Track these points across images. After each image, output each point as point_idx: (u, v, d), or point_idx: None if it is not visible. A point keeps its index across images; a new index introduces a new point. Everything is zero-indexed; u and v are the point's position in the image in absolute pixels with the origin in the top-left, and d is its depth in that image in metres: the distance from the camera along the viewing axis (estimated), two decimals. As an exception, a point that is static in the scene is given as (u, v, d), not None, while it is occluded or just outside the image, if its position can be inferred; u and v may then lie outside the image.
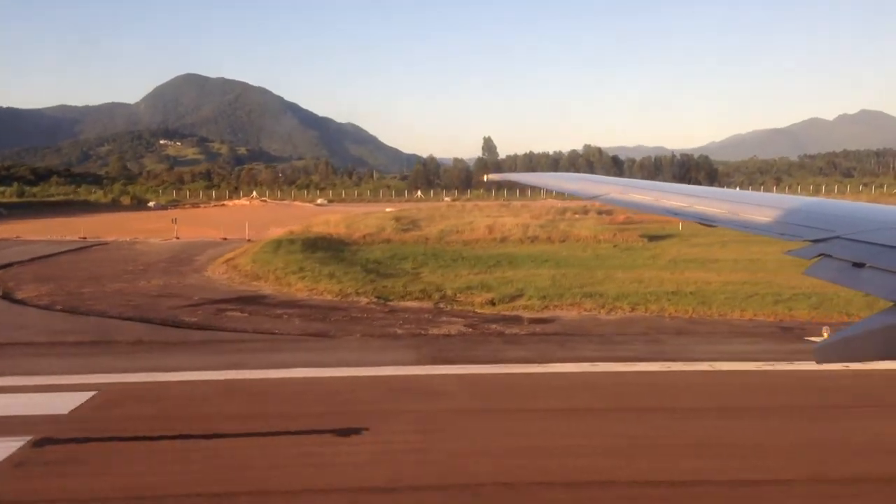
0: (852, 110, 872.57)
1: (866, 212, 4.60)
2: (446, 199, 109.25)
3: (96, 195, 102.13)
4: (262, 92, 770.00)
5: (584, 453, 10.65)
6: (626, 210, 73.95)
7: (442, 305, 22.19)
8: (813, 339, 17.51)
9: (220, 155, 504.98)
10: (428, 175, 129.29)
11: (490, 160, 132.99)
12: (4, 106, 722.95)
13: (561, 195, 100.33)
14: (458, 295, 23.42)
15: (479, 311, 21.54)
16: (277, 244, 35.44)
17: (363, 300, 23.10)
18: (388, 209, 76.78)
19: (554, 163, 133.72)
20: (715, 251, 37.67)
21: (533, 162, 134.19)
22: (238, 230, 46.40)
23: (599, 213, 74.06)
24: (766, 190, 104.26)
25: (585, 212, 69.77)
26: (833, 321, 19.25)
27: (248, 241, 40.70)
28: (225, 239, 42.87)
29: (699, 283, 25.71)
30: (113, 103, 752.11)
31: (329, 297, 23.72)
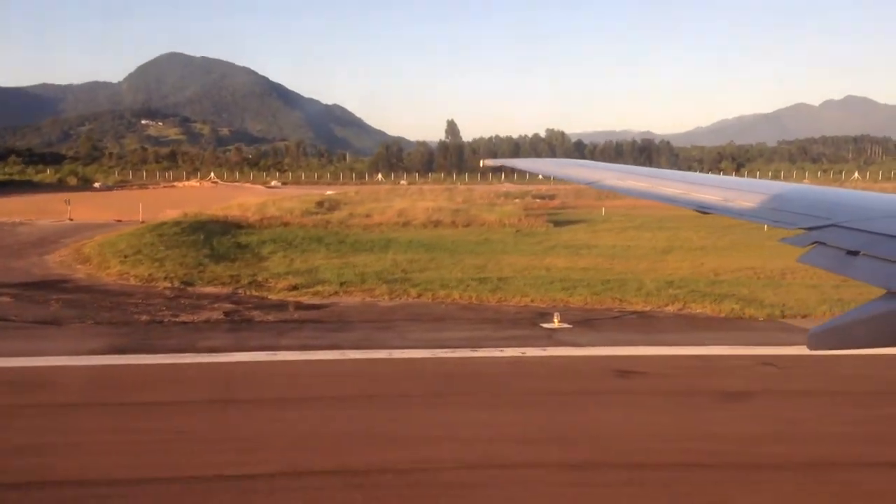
0: (838, 96, 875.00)
1: (862, 200, 4.61)
2: (403, 182, 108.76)
3: (41, 175, 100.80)
4: (247, 72, 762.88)
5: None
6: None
7: (240, 291, 21.65)
8: (546, 325, 17.40)
9: (203, 135, 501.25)
10: (390, 158, 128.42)
11: (452, 144, 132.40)
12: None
13: (540, 180, 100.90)
14: (269, 280, 22.90)
15: (270, 296, 21.11)
16: (154, 228, 34.78)
17: (162, 286, 22.45)
18: (328, 192, 76.29)
19: (516, 147, 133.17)
20: (610, 237, 37.49)
21: (494, 146, 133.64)
22: (148, 212, 45.67)
23: (541, 198, 73.91)
24: (726, 175, 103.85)
25: (523, 197, 69.56)
26: (604, 306, 19.18)
27: (142, 222, 40.00)
28: (119, 221, 42.15)
29: (538, 269, 25.47)
30: (96, 82, 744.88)
31: (133, 282, 23.10)
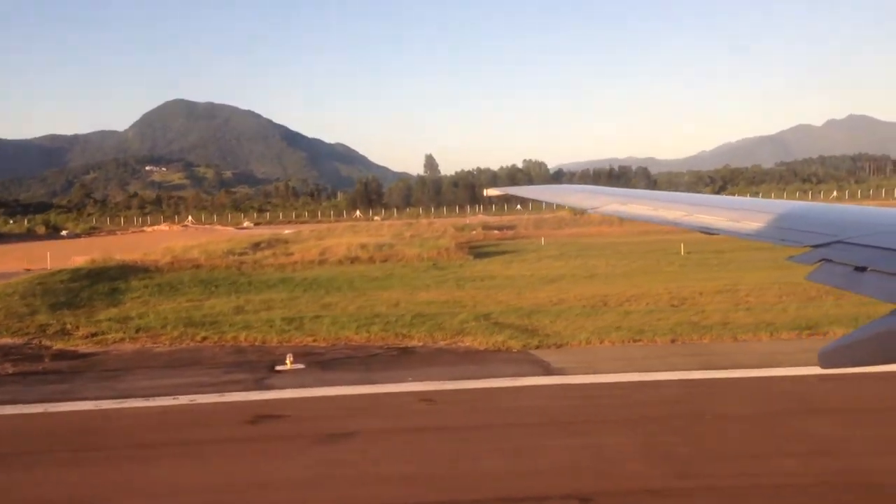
0: (840, 115, 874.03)
1: (868, 216, 4.59)
2: (377, 217, 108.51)
3: (10, 226, 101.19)
4: (252, 115, 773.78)
5: None
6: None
7: (35, 341, 20.69)
8: (280, 367, 16.40)
9: (206, 179, 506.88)
10: (369, 194, 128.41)
11: (429, 178, 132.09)
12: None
13: (519, 209, 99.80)
14: (79, 328, 21.89)
15: (57, 345, 20.11)
16: (44, 277, 33.73)
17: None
18: (286, 231, 76.16)
19: (493, 177, 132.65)
20: (519, 268, 36.59)
21: (472, 178, 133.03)
22: (63, 259, 44.98)
23: (499, 228, 73.23)
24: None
25: (472, 230, 68.95)
26: (378, 343, 18.16)
27: (47, 269, 39.25)
28: (27, 270, 41.50)
29: (384, 306, 24.43)
30: (102, 131, 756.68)
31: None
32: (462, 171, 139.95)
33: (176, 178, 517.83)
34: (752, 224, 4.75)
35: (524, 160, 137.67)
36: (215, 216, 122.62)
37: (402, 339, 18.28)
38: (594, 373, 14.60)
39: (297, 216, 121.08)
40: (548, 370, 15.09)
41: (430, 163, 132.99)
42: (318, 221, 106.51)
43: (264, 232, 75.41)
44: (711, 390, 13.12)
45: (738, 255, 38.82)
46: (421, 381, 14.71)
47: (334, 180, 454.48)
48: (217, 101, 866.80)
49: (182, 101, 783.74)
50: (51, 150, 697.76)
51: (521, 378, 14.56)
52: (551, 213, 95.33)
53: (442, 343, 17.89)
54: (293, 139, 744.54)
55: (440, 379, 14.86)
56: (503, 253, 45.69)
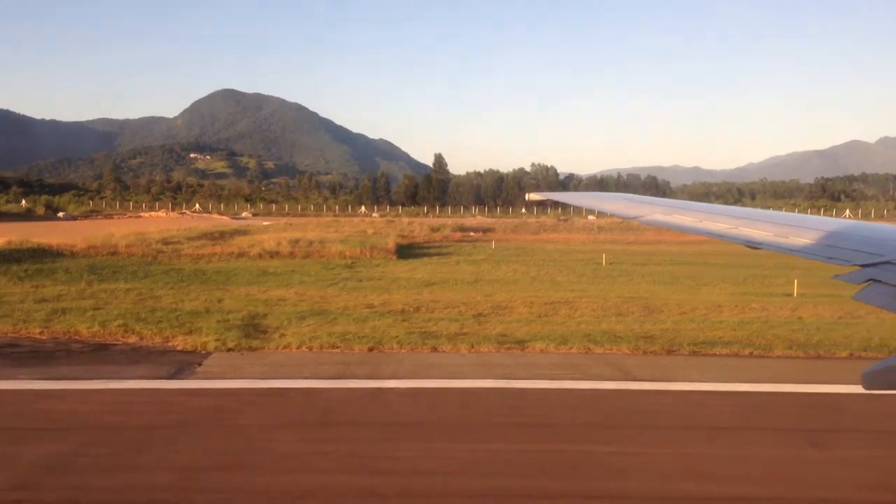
0: (894, 133, 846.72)
1: None
2: (375, 214, 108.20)
3: (8, 206, 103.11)
4: (298, 108, 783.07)
5: None
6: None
7: None
8: None
9: (248, 169, 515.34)
10: (377, 190, 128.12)
11: (436, 178, 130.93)
12: (48, 118, 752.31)
13: (511, 214, 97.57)
14: None
15: None
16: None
17: None
18: (265, 222, 76.41)
19: (500, 180, 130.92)
20: (431, 271, 35.50)
21: (479, 179, 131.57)
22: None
23: (474, 230, 72.05)
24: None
25: (446, 230, 67.96)
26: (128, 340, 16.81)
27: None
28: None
29: (235, 300, 23.48)
30: (152, 117, 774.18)
31: None
32: (471, 172, 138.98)
33: (219, 166, 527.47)
34: (799, 240, 4.72)
35: (532, 164, 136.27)
36: (222, 206, 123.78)
37: (123, 336, 17.17)
38: (234, 378, 13.08)
39: (302, 209, 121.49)
40: (179, 373, 13.40)
41: (439, 162, 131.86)
42: (317, 215, 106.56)
43: (239, 223, 75.73)
44: (340, 396, 11.90)
45: (661, 268, 37.31)
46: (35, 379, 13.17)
47: (375, 175, 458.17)
48: (265, 91, 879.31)
49: (230, 90, 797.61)
50: (103, 134, 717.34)
51: (139, 381, 12.83)
52: (550, 220, 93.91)
53: (155, 341, 16.50)
54: (337, 133, 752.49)
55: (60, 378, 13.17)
56: (441, 255, 44.52)
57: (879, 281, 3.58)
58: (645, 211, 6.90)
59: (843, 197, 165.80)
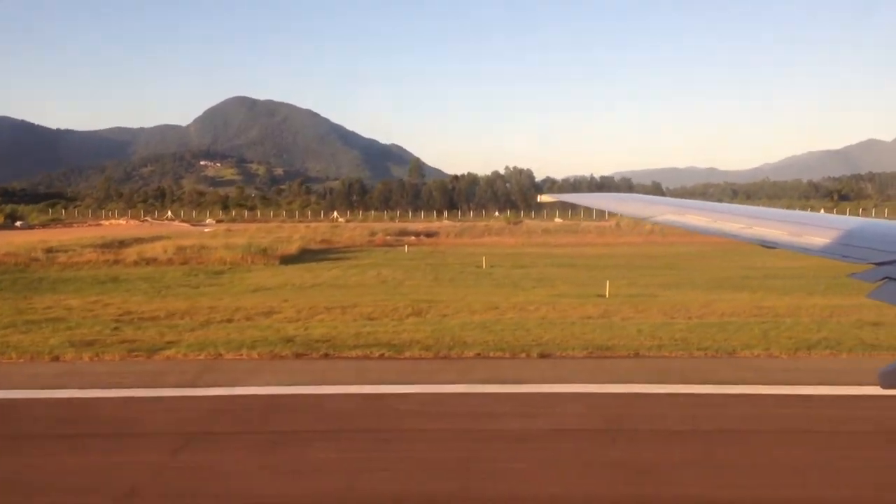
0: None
1: None
2: (340, 220, 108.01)
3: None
4: (310, 114, 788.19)
5: None
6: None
7: None
8: None
9: (258, 176, 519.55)
10: (352, 195, 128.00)
11: (409, 183, 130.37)
12: (63, 128, 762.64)
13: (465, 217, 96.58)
14: None
15: None
16: None
17: None
18: (206, 229, 76.72)
19: (473, 184, 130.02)
20: (301, 276, 35.25)
21: (455, 183, 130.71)
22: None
23: (416, 234, 71.67)
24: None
25: (373, 233, 67.66)
26: None
27: None
28: None
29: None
30: (166, 125, 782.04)
31: None
32: (467, 174, 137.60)
33: (228, 173, 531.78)
34: (814, 239, 4.66)
35: (506, 167, 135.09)
36: (194, 213, 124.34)
37: None
38: None
39: (274, 215, 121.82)
40: None
41: (417, 168, 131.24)
42: (282, 221, 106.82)
43: (186, 229, 76.19)
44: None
45: (530, 271, 36.83)
46: None
47: (378, 180, 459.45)
48: (277, 98, 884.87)
49: (243, 97, 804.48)
50: (118, 143, 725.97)
51: None
52: (499, 223, 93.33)
53: None
54: (348, 139, 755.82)
55: None
56: (337, 260, 44.33)
57: (895, 279, 3.52)
58: (657, 211, 6.86)
59: (835, 196, 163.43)
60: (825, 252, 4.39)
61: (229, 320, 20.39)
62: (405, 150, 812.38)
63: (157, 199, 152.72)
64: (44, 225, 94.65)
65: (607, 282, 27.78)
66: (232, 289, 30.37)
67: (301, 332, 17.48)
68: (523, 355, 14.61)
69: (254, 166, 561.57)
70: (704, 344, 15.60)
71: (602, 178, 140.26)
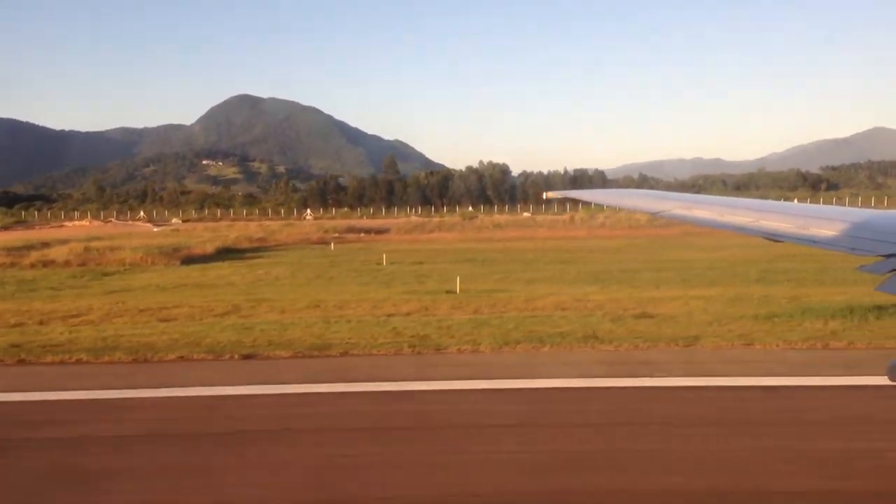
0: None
1: None
2: (308, 217, 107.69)
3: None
4: (313, 111, 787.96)
5: None
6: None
7: None
8: None
9: (260, 174, 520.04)
10: (327, 193, 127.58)
11: (383, 180, 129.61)
12: (67, 129, 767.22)
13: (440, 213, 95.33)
14: None
15: None
16: None
17: None
18: (154, 229, 77.04)
19: (444, 180, 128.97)
20: (192, 277, 35.09)
21: (429, 179, 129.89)
22: None
23: (365, 231, 71.43)
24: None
25: (325, 230, 67.67)
26: None
27: None
28: None
29: None
30: (170, 125, 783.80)
31: None
32: (435, 171, 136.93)
33: (230, 172, 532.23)
34: (821, 231, 4.65)
35: (479, 162, 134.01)
36: (167, 213, 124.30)
37: None
38: None
39: (247, 214, 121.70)
40: None
41: (391, 164, 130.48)
42: (248, 219, 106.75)
43: (130, 230, 76.45)
44: None
45: (423, 268, 36.49)
46: None
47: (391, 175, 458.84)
48: (280, 96, 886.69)
49: (247, 96, 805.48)
50: (123, 143, 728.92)
51: None
52: (455, 219, 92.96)
53: None
54: (352, 135, 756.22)
55: None
56: (249, 259, 44.42)
57: None
58: (665, 206, 6.85)
59: (824, 186, 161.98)
60: (832, 244, 4.34)
61: (21, 324, 20.19)
62: (409, 146, 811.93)
63: (138, 200, 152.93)
64: (5, 227, 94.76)
65: (458, 278, 27.38)
66: (98, 290, 30.17)
67: (37, 337, 17.09)
68: (226, 357, 14.25)
69: (256, 164, 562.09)
70: (444, 341, 15.25)
71: (576, 170, 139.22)
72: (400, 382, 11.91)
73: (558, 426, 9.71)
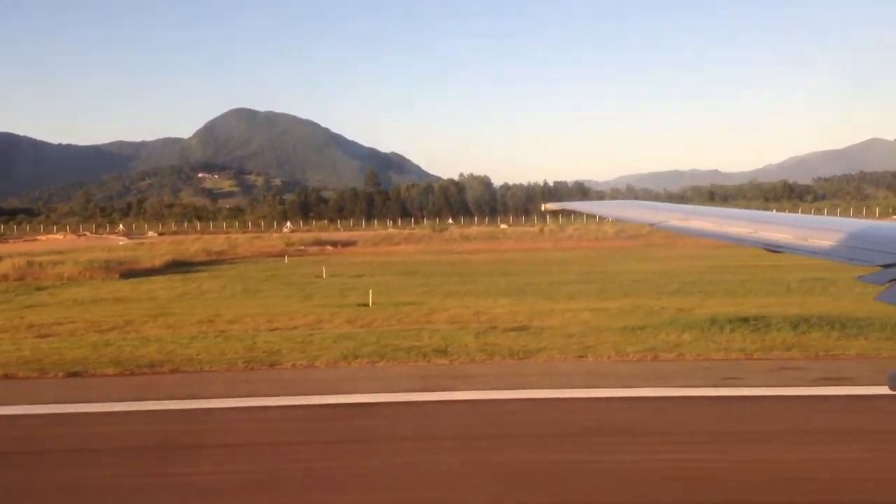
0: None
1: None
2: (285, 230, 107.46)
3: None
4: (310, 124, 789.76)
5: None
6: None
7: None
8: None
9: (256, 187, 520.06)
10: (307, 205, 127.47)
11: (363, 192, 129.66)
12: (65, 143, 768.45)
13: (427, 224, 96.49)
14: None
15: None
16: None
17: None
18: (120, 241, 76.80)
19: (425, 192, 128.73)
20: (106, 290, 34.75)
21: (409, 192, 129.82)
22: None
23: (332, 244, 71.15)
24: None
25: (289, 244, 67.51)
26: None
27: None
28: None
29: None
30: (168, 138, 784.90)
31: None
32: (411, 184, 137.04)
33: (227, 185, 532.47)
34: (820, 242, 4.63)
35: (460, 174, 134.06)
36: (146, 226, 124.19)
37: None
38: None
39: (229, 227, 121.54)
40: None
41: (371, 177, 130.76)
42: (227, 232, 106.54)
43: (99, 243, 76.20)
44: None
45: (361, 281, 36.10)
46: None
47: (386, 188, 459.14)
48: (277, 110, 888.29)
49: (244, 109, 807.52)
50: (120, 157, 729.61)
51: None
52: (425, 231, 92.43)
53: None
54: (348, 148, 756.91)
55: None
56: (196, 272, 44.14)
57: None
58: (662, 217, 6.80)
59: (810, 198, 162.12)
60: (831, 255, 4.31)
61: None
62: (405, 159, 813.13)
63: (121, 213, 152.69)
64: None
65: (370, 291, 27.02)
66: (14, 305, 29.82)
67: None
68: (51, 375, 13.86)
69: (252, 177, 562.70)
70: (292, 356, 14.94)
71: (556, 182, 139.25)
72: (186, 401, 11.53)
73: (301, 443, 9.34)
